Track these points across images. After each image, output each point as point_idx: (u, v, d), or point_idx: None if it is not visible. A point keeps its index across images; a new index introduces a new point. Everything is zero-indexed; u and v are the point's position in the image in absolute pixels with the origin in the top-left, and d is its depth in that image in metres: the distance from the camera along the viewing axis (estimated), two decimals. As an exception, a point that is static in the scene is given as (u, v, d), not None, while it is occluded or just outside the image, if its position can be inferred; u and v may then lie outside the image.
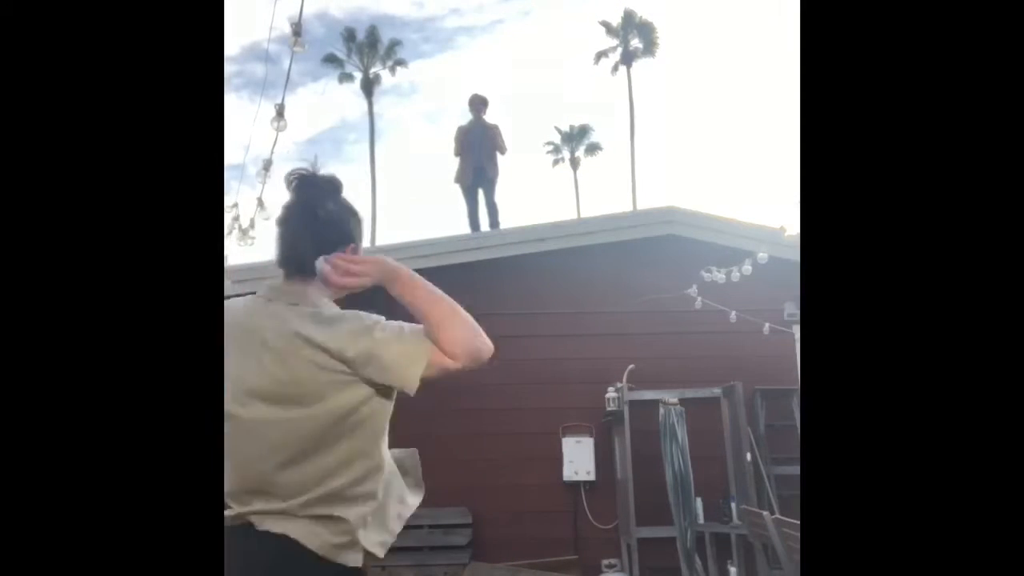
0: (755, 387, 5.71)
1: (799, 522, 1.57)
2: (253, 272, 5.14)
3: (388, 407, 1.47)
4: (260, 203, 5.11)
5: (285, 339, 1.42)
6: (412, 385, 1.40)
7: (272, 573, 1.38)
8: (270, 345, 1.43)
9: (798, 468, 1.27)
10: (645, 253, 6.06)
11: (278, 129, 4.03)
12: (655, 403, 5.52)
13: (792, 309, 4.85)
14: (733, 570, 4.96)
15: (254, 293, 1.56)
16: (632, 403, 5.56)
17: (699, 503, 5.35)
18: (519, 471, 5.75)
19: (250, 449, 1.41)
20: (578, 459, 5.78)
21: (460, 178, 7.34)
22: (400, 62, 35.66)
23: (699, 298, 5.24)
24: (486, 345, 1.42)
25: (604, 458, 5.79)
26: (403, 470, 1.60)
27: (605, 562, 5.58)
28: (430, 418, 5.13)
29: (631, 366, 5.73)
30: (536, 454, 5.79)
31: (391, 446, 1.56)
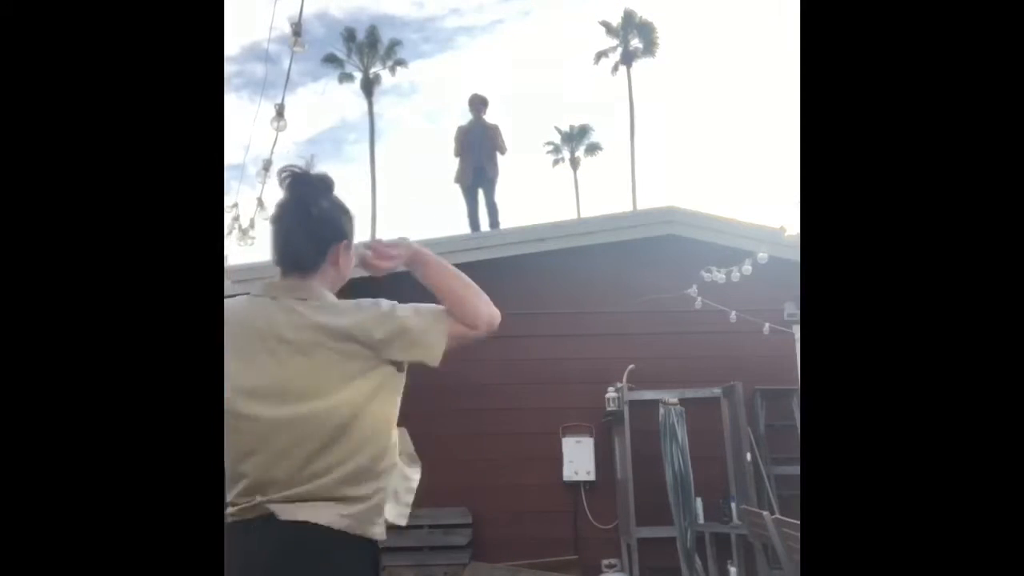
0: (755, 387, 5.71)
1: (799, 522, 1.57)
2: (253, 272, 5.14)
3: (402, 384, 1.54)
4: (260, 203, 5.12)
5: (306, 332, 1.46)
6: (437, 357, 1.51)
7: (300, 561, 1.39)
8: (289, 339, 1.46)
9: (798, 468, 1.27)
10: (645, 253, 6.06)
11: (278, 129, 4.04)
12: (655, 403, 5.52)
13: (792, 309, 4.84)
14: (733, 570, 4.96)
15: (248, 294, 1.58)
16: (632, 403, 5.56)
17: (699, 503, 5.34)
18: (519, 471, 5.75)
19: (276, 445, 1.42)
20: (578, 459, 5.78)
21: (460, 178, 7.34)
22: (400, 62, 35.69)
23: (699, 298, 5.24)
24: (497, 313, 1.60)
25: (604, 458, 5.79)
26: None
27: (605, 562, 5.58)
28: (430, 418, 5.13)
29: (631, 366, 5.73)
30: (536, 454, 5.78)
31: None
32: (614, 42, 36.25)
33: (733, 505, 5.24)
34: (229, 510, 1.42)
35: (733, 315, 5.19)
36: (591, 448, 5.81)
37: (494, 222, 7.21)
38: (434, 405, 5.36)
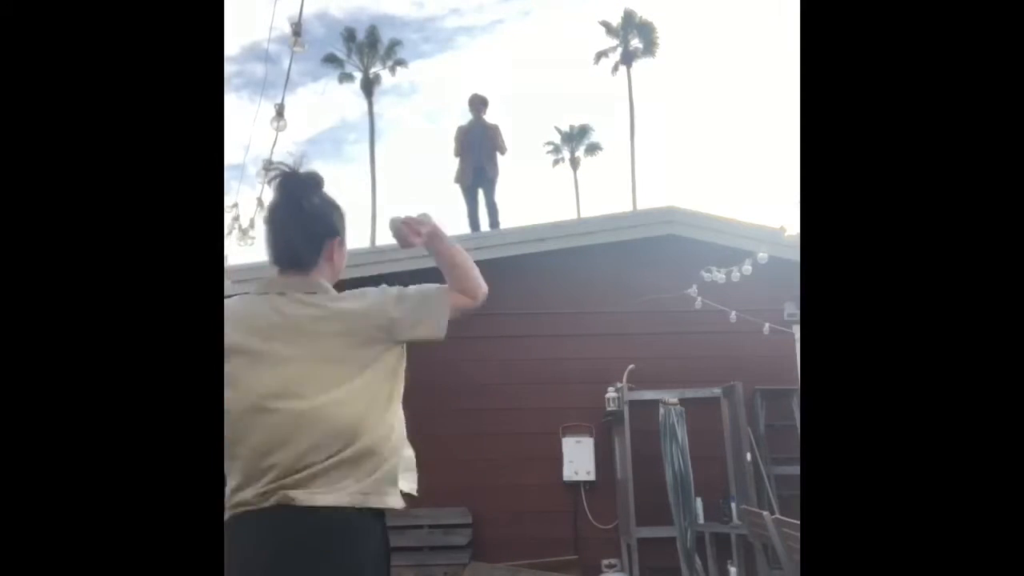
0: (755, 387, 5.71)
1: (799, 522, 1.57)
2: (253, 272, 5.13)
3: (404, 359, 1.61)
4: (260, 203, 5.12)
5: (325, 322, 1.51)
6: (443, 332, 1.60)
7: (325, 544, 1.41)
8: (308, 331, 1.49)
9: (798, 468, 1.27)
10: (645, 253, 6.06)
11: (278, 129, 4.04)
12: (655, 403, 5.52)
13: (792, 309, 4.84)
14: (733, 570, 4.96)
15: (247, 293, 1.59)
16: (632, 403, 5.56)
17: (699, 503, 5.34)
18: (519, 471, 5.75)
19: (306, 435, 1.44)
20: (578, 459, 5.78)
21: (460, 178, 7.33)
22: (400, 62, 35.67)
23: (699, 298, 5.24)
24: (486, 286, 1.71)
25: (604, 458, 5.79)
26: None
27: (605, 562, 5.58)
28: (430, 418, 5.13)
29: (631, 366, 5.72)
30: (536, 454, 5.78)
31: None
32: (614, 42, 36.25)
33: (733, 505, 5.24)
34: (249, 502, 1.42)
35: (733, 315, 5.18)
36: (591, 448, 5.80)
37: (494, 222, 7.21)
38: (434, 405, 5.36)
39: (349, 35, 35.27)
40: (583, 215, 21.59)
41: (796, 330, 4.81)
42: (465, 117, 7.54)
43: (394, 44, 35.61)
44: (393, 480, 1.53)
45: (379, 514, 1.50)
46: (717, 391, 5.64)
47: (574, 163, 38.43)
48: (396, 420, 1.57)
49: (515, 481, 5.72)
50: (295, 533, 1.40)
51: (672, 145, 66.31)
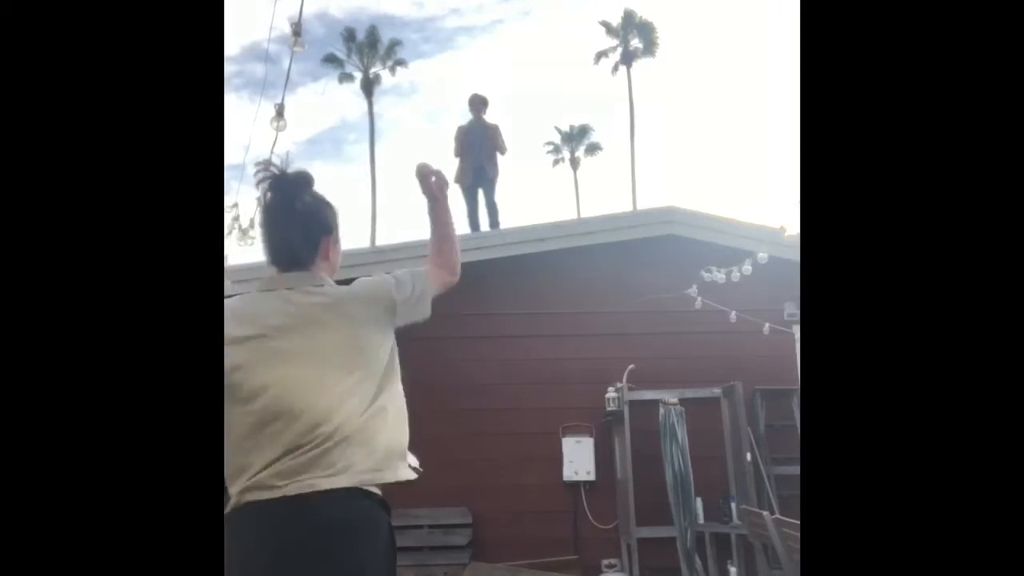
0: (755, 387, 5.71)
1: (799, 522, 1.57)
2: (253, 272, 5.14)
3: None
4: (260, 203, 5.11)
5: (340, 308, 1.55)
6: (428, 312, 1.70)
7: (348, 528, 1.42)
8: (322, 318, 1.52)
9: (798, 468, 1.27)
10: (645, 253, 6.06)
11: (278, 129, 4.04)
12: (655, 403, 5.52)
13: (792, 309, 4.84)
14: (733, 570, 4.96)
15: (248, 293, 1.59)
16: (632, 403, 5.56)
17: (699, 503, 5.34)
18: (519, 471, 5.75)
19: (330, 427, 1.45)
20: (578, 459, 5.78)
21: (460, 178, 7.33)
22: (400, 62, 35.66)
23: (699, 298, 5.24)
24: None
25: (604, 458, 5.79)
26: None
27: (605, 562, 5.58)
28: (430, 418, 5.12)
29: (631, 366, 5.73)
30: (536, 454, 5.78)
31: None
32: (614, 42, 36.23)
33: (733, 505, 5.24)
34: (264, 484, 1.42)
35: (733, 315, 5.18)
36: (591, 448, 5.80)
37: (494, 222, 7.21)
38: (434, 405, 5.36)
39: (349, 35, 35.27)
40: (583, 215, 21.58)
41: (796, 330, 4.82)
42: (465, 117, 7.54)
43: (394, 44, 35.62)
44: (403, 453, 1.56)
45: (385, 507, 1.51)
46: (717, 391, 5.65)
47: (574, 163, 38.43)
48: (399, 396, 1.62)
49: (515, 481, 5.72)
50: (295, 533, 1.39)
51: (672, 145, 66.32)
